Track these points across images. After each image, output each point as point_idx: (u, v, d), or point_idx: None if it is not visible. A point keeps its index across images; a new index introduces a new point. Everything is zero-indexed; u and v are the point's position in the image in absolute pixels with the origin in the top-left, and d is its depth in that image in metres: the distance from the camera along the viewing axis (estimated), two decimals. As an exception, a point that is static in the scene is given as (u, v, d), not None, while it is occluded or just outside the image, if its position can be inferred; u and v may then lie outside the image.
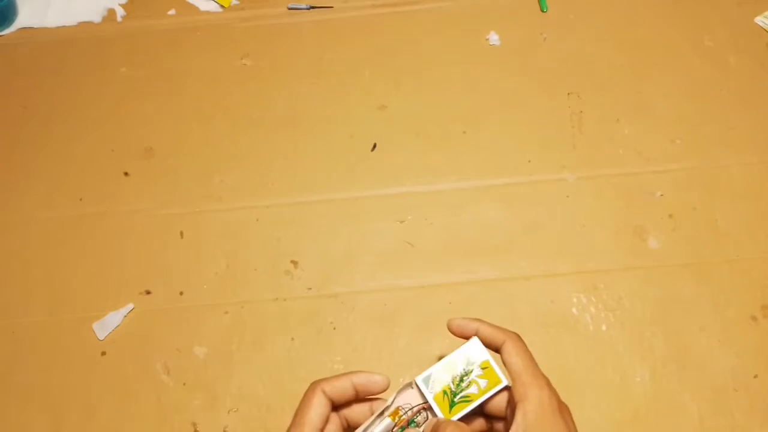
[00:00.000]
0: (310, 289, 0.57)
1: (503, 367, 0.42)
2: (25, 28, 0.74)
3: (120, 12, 0.74)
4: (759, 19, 0.69)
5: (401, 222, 0.60)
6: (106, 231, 0.61)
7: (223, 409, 0.53)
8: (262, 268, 0.58)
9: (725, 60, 0.67)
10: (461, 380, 0.42)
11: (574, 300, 0.56)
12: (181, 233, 0.60)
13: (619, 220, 0.59)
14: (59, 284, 0.59)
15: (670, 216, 0.59)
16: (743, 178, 0.60)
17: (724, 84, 0.65)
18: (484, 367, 0.42)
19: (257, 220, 0.61)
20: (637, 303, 0.55)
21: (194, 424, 0.52)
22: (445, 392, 0.42)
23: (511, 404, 0.41)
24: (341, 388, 0.42)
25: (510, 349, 0.42)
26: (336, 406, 0.43)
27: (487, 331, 0.43)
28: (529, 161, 0.62)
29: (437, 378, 0.42)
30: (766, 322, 0.54)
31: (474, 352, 0.42)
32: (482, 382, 0.42)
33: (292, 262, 0.59)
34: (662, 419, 0.51)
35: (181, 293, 0.58)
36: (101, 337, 0.55)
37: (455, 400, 0.41)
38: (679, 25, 0.69)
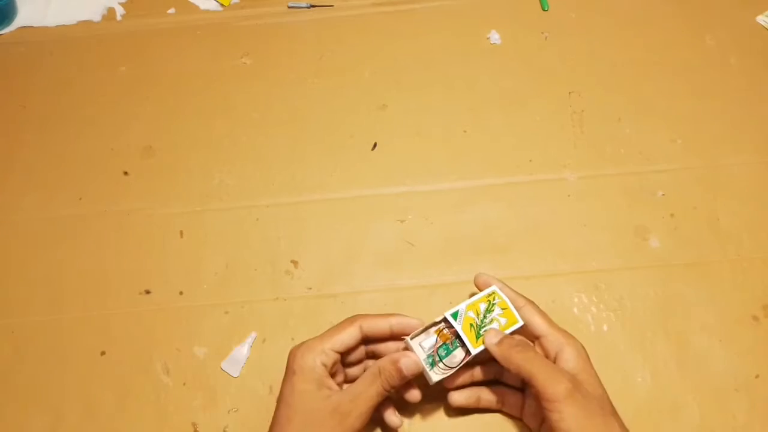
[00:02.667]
0: (310, 288, 0.57)
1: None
2: (25, 27, 0.73)
3: (120, 11, 0.74)
4: (760, 19, 0.69)
5: (401, 221, 0.60)
6: (106, 231, 0.61)
7: (223, 409, 0.53)
8: (262, 268, 0.58)
9: (726, 59, 0.66)
10: (485, 317, 0.48)
11: (575, 300, 0.55)
12: (181, 233, 0.60)
13: (620, 219, 0.59)
14: (59, 284, 0.58)
15: (672, 215, 0.59)
16: (744, 177, 0.60)
17: (725, 83, 0.65)
18: (504, 308, 0.48)
19: (257, 219, 0.61)
20: (638, 303, 0.55)
21: (194, 424, 0.52)
22: (471, 325, 0.48)
23: (532, 395, 0.47)
24: (379, 327, 0.47)
25: (531, 310, 0.48)
26: (368, 341, 0.48)
27: (509, 293, 0.50)
28: (530, 160, 0.62)
29: (464, 314, 0.48)
30: (768, 322, 0.54)
31: (495, 296, 0.49)
32: (503, 320, 0.48)
33: (292, 261, 0.59)
34: (663, 419, 0.51)
35: (181, 293, 0.58)
36: (235, 375, 0.54)
37: (480, 332, 0.47)
38: (681, 25, 0.69)
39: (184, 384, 0.54)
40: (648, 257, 0.57)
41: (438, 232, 0.59)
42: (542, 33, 0.69)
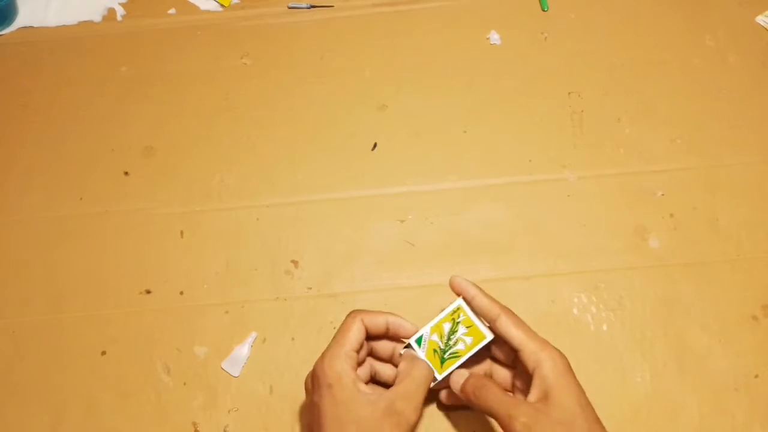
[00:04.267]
0: (311, 288, 0.57)
1: (487, 324, 0.47)
2: (25, 27, 0.73)
3: (120, 11, 0.74)
4: (760, 19, 0.69)
5: (402, 222, 0.60)
6: (106, 231, 0.61)
7: (223, 409, 0.53)
8: (262, 268, 0.58)
9: (726, 59, 0.67)
10: (449, 338, 0.47)
11: (575, 300, 0.55)
12: (182, 233, 0.60)
13: (620, 219, 0.59)
14: (59, 284, 0.59)
15: (671, 215, 0.59)
16: (744, 177, 0.60)
17: (724, 83, 0.65)
18: (468, 326, 0.48)
19: (257, 219, 0.61)
20: (637, 302, 0.55)
21: (194, 424, 0.52)
22: (435, 350, 0.47)
23: (523, 372, 0.46)
24: (377, 322, 0.48)
25: (507, 321, 0.46)
26: (366, 337, 0.48)
27: (483, 302, 0.47)
28: (530, 161, 0.62)
29: (428, 338, 0.48)
30: (767, 321, 0.54)
31: (459, 313, 0.48)
32: (468, 339, 0.47)
33: (293, 261, 0.59)
34: (663, 419, 0.51)
35: (182, 293, 0.58)
36: (236, 374, 0.54)
37: (445, 357, 0.47)
38: (680, 25, 0.69)
39: (184, 384, 0.54)
40: (648, 257, 0.57)
41: (438, 232, 0.59)
42: (542, 33, 0.69)
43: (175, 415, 0.53)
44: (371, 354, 0.50)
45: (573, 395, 0.43)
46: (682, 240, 0.58)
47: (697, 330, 0.54)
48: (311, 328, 0.56)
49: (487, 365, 0.50)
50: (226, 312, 0.57)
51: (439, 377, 0.47)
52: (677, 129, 0.63)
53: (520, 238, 0.59)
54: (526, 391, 0.46)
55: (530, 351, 0.45)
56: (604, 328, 0.54)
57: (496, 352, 0.50)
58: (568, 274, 0.57)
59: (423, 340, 0.48)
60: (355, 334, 0.46)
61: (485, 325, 0.48)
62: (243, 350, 0.55)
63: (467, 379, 0.46)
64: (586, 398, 0.44)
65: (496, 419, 0.43)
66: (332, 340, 0.47)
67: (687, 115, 0.64)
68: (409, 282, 0.57)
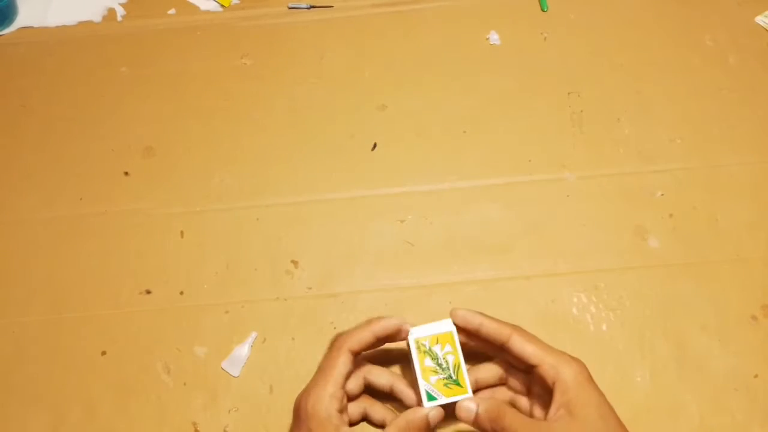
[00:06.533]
0: (311, 288, 0.57)
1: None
2: (25, 27, 0.73)
3: (120, 11, 0.74)
4: (759, 19, 0.69)
5: (401, 222, 0.60)
6: (106, 231, 0.61)
7: (223, 409, 0.53)
8: (262, 268, 0.58)
9: (725, 60, 0.67)
10: (440, 365, 0.46)
11: (575, 300, 0.56)
12: (182, 233, 0.60)
13: (620, 219, 0.59)
14: (59, 284, 0.59)
15: (671, 215, 0.59)
16: (744, 177, 0.60)
17: (724, 84, 0.65)
18: (438, 342, 0.47)
19: (257, 219, 0.61)
20: (637, 302, 0.55)
21: (194, 424, 0.52)
22: (445, 384, 0.46)
23: (540, 385, 0.45)
24: (363, 340, 0.46)
25: (519, 339, 0.45)
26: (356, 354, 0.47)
27: (491, 327, 0.46)
28: (530, 161, 0.62)
29: (431, 387, 0.46)
30: (767, 321, 0.54)
31: (423, 342, 0.47)
32: (448, 348, 0.47)
33: (293, 261, 0.59)
34: (662, 418, 0.51)
35: (182, 293, 0.58)
36: (236, 374, 0.54)
37: (453, 378, 0.46)
38: (680, 25, 0.69)
39: (184, 384, 0.54)
40: (647, 257, 0.57)
41: (438, 232, 0.59)
42: (542, 33, 0.69)
43: (175, 415, 0.53)
44: (369, 387, 0.49)
45: (594, 407, 0.43)
46: (682, 240, 0.58)
47: (697, 330, 0.54)
48: (311, 328, 0.56)
49: (503, 393, 0.49)
50: (226, 312, 0.57)
51: (441, 402, 0.46)
52: (677, 129, 0.63)
53: (519, 238, 0.59)
54: (544, 414, 0.45)
55: (549, 365, 0.44)
56: (604, 328, 0.54)
57: (513, 383, 0.49)
58: (567, 274, 0.57)
59: (431, 393, 0.46)
60: (341, 370, 0.46)
61: (444, 324, 0.47)
62: (243, 350, 0.55)
63: (478, 408, 0.45)
64: (607, 406, 0.44)
65: None
66: (318, 372, 0.46)
67: (687, 115, 0.64)
68: (409, 282, 0.57)
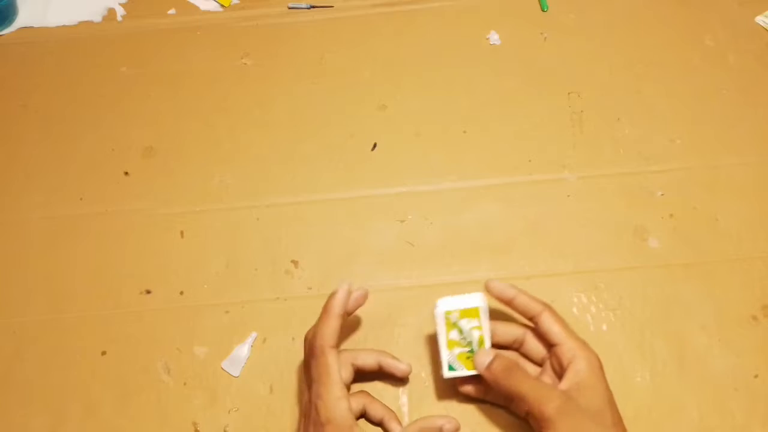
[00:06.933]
0: (311, 288, 0.57)
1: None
2: (25, 27, 0.73)
3: (120, 11, 0.74)
4: (760, 19, 0.69)
5: (401, 222, 0.60)
6: (106, 231, 0.61)
7: (223, 409, 0.53)
8: (262, 268, 0.58)
9: (726, 60, 0.67)
10: (465, 339, 0.48)
11: (575, 300, 0.56)
12: (182, 233, 0.60)
13: (620, 219, 0.59)
14: (59, 284, 0.59)
15: (671, 215, 0.59)
16: (744, 177, 0.60)
17: (724, 84, 0.65)
18: (466, 317, 0.48)
19: (257, 219, 0.61)
20: (637, 303, 0.55)
21: (194, 424, 0.52)
22: (467, 357, 0.48)
23: (552, 368, 0.48)
24: (333, 329, 0.47)
25: (549, 318, 0.48)
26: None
27: (524, 300, 0.49)
28: (530, 161, 0.62)
29: (453, 358, 0.48)
30: (767, 321, 0.54)
31: (452, 315, 0.48)
32: (474, 322, 0.48)
33: (293, 261, 0.59)
34: (663, 418, 0.51)
35: (182, 293, 0.58)
36: (236, 374, 0.54)
37: (466, 356, 0.48)
38: (680, 25, 0.69)
39: (184, 384, 0.54)
40: (647, 257, 0.57)
41: (438, 232, 0.59)
42: (542, 33, 0.69)
43: (175, 415, 0.53)
44: (356, 369, 0.50)
45: (602, 391, 0.45)
46: (682, 240, 0.58)
47: (696, 330, 0.54)
48: (311, 328, 0.55)
49: (512, 355, 0.50)
50: (226, 312, 0.57)
51: (461, 375, 0.48)
52: (677, 129, 0.63)
53: (519, 238, 0.59)
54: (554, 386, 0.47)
55: (569, 347, 0.46)
56: (604, 328, 0.54)
57: (528, 349, 0.50)
58: (567, 274, 0.57)
59: (452, 364, 0.48)
60: (334, 369, 0.46)
61: (472, 298, 0.48)
62: (243, 350, 0.55)
63: (494, 360, 0.47)
64: (613, 399, 0.45)
65: (526, 402, 0.44)
66: (315, 382, 0.46)
67: (687, 115, 0.64)
68: (409, 282, 0.57)
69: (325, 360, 0.46)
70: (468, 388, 0.50)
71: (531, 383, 0.45)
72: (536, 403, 0.43)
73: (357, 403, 0.49)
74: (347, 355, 0.50)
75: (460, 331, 0.48)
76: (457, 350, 0.48)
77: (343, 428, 0.44)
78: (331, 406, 0.44)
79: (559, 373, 0.47)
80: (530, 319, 0.48)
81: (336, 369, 0.46)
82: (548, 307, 0.48)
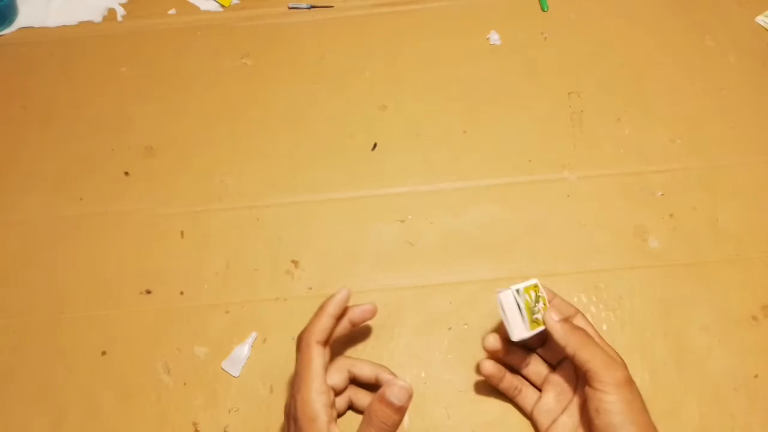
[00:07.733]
0: (311, 288, 0.57)
1: None
2: (25, 27, 0.73)
3: (120, 11, 0.74)
4: (760, 19, 0.69)
5: (402, 222, 0.60)
6: (106, 231, 0.61)
7: (223, 409, 0.53)
8: (262, 268, 0.58)
9: (726, 59, 0.67)
10: (535, 305, 0.48)
11: (575, 300, 0.55)
12: (182, 233, 0.60)
13: (620, 219, 0.59)
14: (59, 284, 0.59)
15: (671, 215, 0.59)
16: (744, 177, 0.60)
17: (724, 83, 0.65)
18: (545, 304, 0.49)
19: (258, 219, 0.61)
20: (637, 303, 0.55)
21: (195, 424, 0.52)
22: (528, 307, 0.48)
23: (564, 376, 0.49)
24: (324, 327, 0.47)
25: (581, 321, 0.49)
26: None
27: (560, 302, 0.51)
28: (530, 161, 0.62)
29: (523, 293, 0.48)
30: (767, 321, 0.54)
31: (539, 289, 0.49)
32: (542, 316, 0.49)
33: (293, 261, 0.59)
34: (663, 418, 0.50)
35: (182, 293, 0.58)
36: (236, 374, 0.54)
37: (533, 318, 0.48)
38: (680, 25, 0.69)
39: (184, 384, 0.54)
40: (647, 257, 0.57)
41: (438, 232, 0.59)
42: (542, 33, 0.69)
43: (175, 415, 0.53)
44: (352, 378, 0.50)
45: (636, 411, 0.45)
46: (682, 240, 0.58)
47: (696, 330, 0.54)
48: (311, 328, 0.55)
49: (519, 380, 0.51)
50: (227, 312, 0.57)
51: (529, 334, 0.48)
52: (677, 129, 0.63)
53: (520, 238, 0.59)
54: (550, 413, 0.49)
55: (593, 369, 0.45)
56: (604, 328, 0.54)
57: (544, 351, 0.51)
58: (567, 274, 0.57)
59: (521, 292, 0.48)
60: (317, 363, 0.45)
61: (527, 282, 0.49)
62: (243, 350, 0.55)
63: (564, 319, 0.47)
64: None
65: (588, 365, 0.45)
66: (296, 376, 0.46)
67: (687, 115, 0.64)
68: (409, 282, 0.57)
69: (309, 354, 0.45)
70: (489, 368, 0.50)
71: (598, 350, 0.45)
72: (603, 368, 0.44)
73: (343, 398, 0.49)
74: (346, 361, 0.50)
75: (527, 301, 0.48)
76: (525, 315, 0.48)
77: (319, 425, 0.43)
78: (309, 400, 0.44)
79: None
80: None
81: (319, 364, 0.45)
82: (580, 312, 0.50)
